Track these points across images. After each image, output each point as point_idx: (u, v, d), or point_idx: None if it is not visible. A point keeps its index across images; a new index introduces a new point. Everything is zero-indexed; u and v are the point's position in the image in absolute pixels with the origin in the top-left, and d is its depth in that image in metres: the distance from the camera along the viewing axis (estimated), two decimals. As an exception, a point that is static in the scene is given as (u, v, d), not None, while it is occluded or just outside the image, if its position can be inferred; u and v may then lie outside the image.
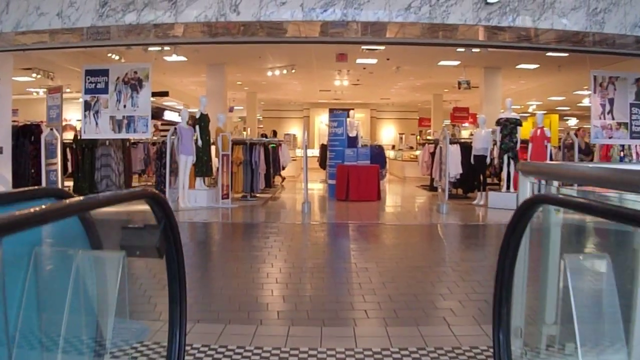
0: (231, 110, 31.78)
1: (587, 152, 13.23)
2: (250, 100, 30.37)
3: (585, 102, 27.52)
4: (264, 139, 18.50)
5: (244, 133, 33.16)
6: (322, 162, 20.93)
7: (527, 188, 3.69)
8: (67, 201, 1.64)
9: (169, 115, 30.13)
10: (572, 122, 36.81)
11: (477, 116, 16.85)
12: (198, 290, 6.15)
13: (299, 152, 25.10)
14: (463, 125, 31.43)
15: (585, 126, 36.40)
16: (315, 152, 27.59)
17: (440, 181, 14.65)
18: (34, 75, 19.20)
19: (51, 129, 13.50)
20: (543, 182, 3.62)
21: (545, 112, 32.08)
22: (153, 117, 28.19)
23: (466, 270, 7.14)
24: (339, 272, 7.10)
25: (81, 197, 1.77)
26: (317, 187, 20.85)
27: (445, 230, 11.22)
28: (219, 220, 12.36)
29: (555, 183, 3.49)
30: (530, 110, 32.97)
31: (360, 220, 12.22)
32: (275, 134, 23.48)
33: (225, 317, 5.17)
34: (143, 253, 2.33)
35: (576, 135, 13.33)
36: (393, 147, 32.85)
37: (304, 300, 5.79)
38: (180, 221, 11.81)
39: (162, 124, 30.75)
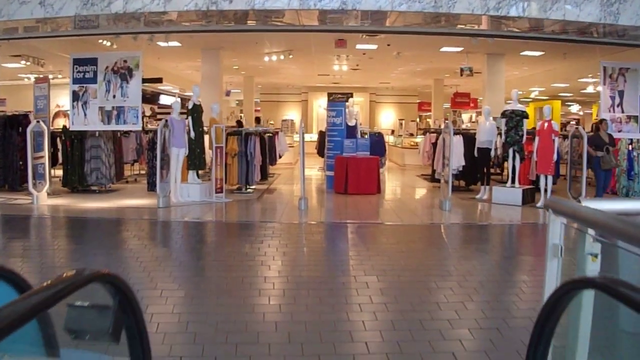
0: (228, 94, 31.25)
1: (612, 144, 12.60)
2: (247, 84, 29.76)
3: (590, 89, 27.01)
4: (260, 128, 17.83)
5: (241, 116, 32.64)
6: (320, 149, 20.41)
7: (557, 231, 3.16)
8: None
9: (165, 100, 29.64)
10: (575, 108, 36.30)
11: (483, 107, 16.24)
12: (183, 315, 5.62)
13: (297, 138, 24.60)
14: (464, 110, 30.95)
15: (587, 112, 36.09)
16: (313, 136, 27.04)
17: (443, 173, 14.12)
18: (23, 62, 18.58)
19: (38, 121, 12.94)
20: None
21: (547, 97, 31.68)
22: (149, 102, 27.99)
23: (474, 287, 6.63)
24: (337, 288, 6.56)
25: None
26: (314, 174, 20.31)
27: (448, 232, 10.70)
28: (212, 218, 11.85)
29: (592, 231, 2.95)
30: (532, 96, 32.41)
31: (360, 219, 11.71)
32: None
33: (211, 353, 4.67)
34: (94, 338, 1.83)
35: (598, 127, 12.62)
36: (392, 132, 32.23)
37: (299, 328, 5.26)
38: (172, 220, 11.31)
39: (158, 108, 30.28)
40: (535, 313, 4.95)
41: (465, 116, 32.95)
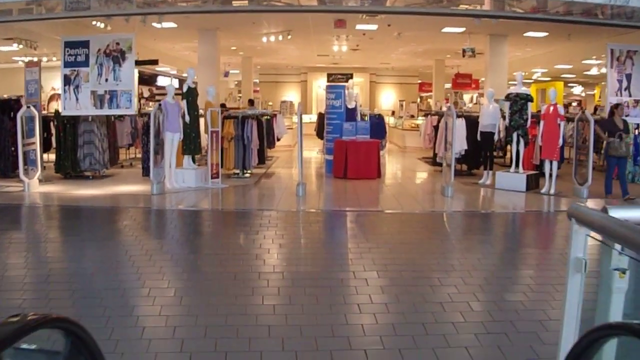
0: (226, 75, 30.79)
1: (626, 130, 12.14)
2: (245, 65, 29.33)
3: (593, 71, 26.63)
4: (256, 111, 17.37)
5: (239, 97, 32.24)
6: (320, 131, 20.05)
7: (581, 244, 2.81)
8: None
9: (163, 81, 29.25)
10: (577, 89, 35.88)
11: (486, 90, 15.82)
12: (171, 318, 5.30)
13: (296, 119, 24.26)
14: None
15: (589, 93, 35.69)
16: (313, 117, 26.71)
17: (445, 157, 13.76)
18: (15, 45, 18.16)
19: (28, 106, 12.56)
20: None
21: (549, 79, 31.29)
22: (147, 83, 27.58)
23: (479, 284, 6.31)
24: (335, 286, 6.22)
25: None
26: (314, 157, 19.95)
27: (451, 221, 10.38)
28: (207, 206, 11.53)
29: (618, 246, 2.61)
30: (534, 77, 32.01)
31: (359, 206, 11.37)
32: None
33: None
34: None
35: (612, 112, 12.16)
36: (393, 113, 31.82)
37: (293, 333, 4.94)
38: (165, 208, 10.99)
39: (156, 89, 29.91)
40: (544, 315, 4.57)
41: (466, 97, 32.54)
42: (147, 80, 28.74)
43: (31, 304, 5.62)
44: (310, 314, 5.40)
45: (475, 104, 29.59)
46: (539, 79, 32.03)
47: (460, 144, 14.21)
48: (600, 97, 31.53)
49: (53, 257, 7.59)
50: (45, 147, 14.15)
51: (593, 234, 2.69)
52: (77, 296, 5.87)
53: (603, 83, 31.31)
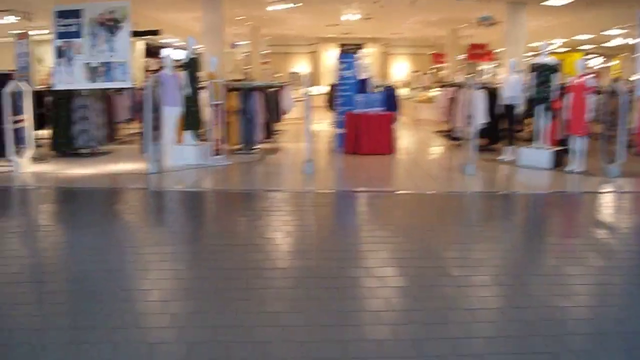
0: (233, 46, 29.89)
1: None
2: (253, 35, 28.50)
3: (615, 42, 25.65)
4: (262, 83, 16.32)
5: (249, 68, 31.24)
6: (331, 103, 19.22)
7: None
8: None
9: (169, 53, 28.31)
10: (595, 61, 34.76)
11: (508, 60, 14.77)
12: (153, 331, 4.49)
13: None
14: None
15: (605, 65, 34.58)
16: (324, 89, 25.88)
17: (464, 131, 12.84)
18: (12, 17, 17.34)
19: (17, 81, 11.70)
20: None
21: (568, 49, 30.21)
22: (151, 56, 26.69)
23: (511, 283, 5.47)
24: (344, 287, 5.34)
25: None
26: (324, 130, 19.06)
27: (473, 204, 9.46)
28: (207, 187, 10.69)
29: None
30: (551, 49, 30.94)
31: (372, 186, 10.49)
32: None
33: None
34: None
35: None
36: (406, 84, 30.83)
37: (292, 354, 4.10)
38: (162, 189, 10.18)
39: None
40: (590, 328, 3.35)
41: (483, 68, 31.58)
42: (154, 53, 27.87)
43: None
44: (313, 326, 4.54)
45: (493, 75, 28.56)
46: (555, 50, 30.98)
47: (480, 118, 13.27)
48: (622, 69, 30.47)
49: (26, 249, 6.80)
50: (42, 124, 13.39)
51: None
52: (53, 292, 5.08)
53: (624, 54, 30.31)
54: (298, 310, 4.83)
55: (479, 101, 12.79)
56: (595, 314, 4.77)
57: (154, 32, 20.51)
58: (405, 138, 17.95)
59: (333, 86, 17.96)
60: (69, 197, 9.75)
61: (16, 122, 11.63)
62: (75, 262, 6.13)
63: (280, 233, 7.29)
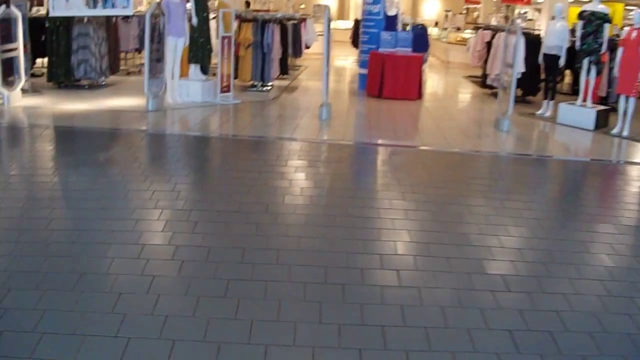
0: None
1: None
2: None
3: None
4: (279, 14, 14.82)
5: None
6: (355, 39, 17.94)
7: None
8: None
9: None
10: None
11: (555, 5, 13.22)
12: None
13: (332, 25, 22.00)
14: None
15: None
16: (349, 24, 24.58)
17: (501, 81, 11.55)
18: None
19: (7, 5, 10.47)
20: None
21: (608, -2, 28.25)
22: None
23: (545, 270, 4.40)
24: (353, 281, 4.22)
25: None
26: (348, 68, 17.76)
27: (508, 170, 8.19)
28: (209, 130, 9.59)
29: None
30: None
31: (396, 138, 9.31)
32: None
33: None
34: None
35: None
36: (436, 23, 29.16)
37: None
38: (159, 131, 9.11)
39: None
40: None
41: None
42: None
43: None
44: (327, 314, 3.50)
45: (530, 20, 26.78)
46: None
47: (520, 67, 11.93)
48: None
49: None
50: (41, 53, 12.34)
51: None
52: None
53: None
54: (297, 310, 3.77)
55: (520, 48, 11.43)
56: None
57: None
58: (433, 82, 16.65)
59: (358, 22, 16.64)
60: (50, 137, 8.67)
61: (7, 50, 10.46)
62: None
63: (281, 198, 6.19)
